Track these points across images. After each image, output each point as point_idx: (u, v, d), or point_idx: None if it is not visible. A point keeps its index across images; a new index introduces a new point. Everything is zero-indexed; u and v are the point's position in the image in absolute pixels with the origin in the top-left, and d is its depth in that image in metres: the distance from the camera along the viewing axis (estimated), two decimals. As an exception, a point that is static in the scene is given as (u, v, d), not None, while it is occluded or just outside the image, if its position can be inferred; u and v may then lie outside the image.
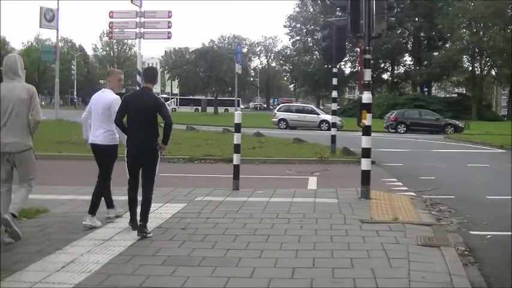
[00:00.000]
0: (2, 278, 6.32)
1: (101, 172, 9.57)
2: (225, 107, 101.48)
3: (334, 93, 23.07)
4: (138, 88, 23.33)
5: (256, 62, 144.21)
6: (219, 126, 38.30)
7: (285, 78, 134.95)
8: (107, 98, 9.31)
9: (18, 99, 8.18)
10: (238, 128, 12.74)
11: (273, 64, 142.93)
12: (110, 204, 9.81)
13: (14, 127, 8.15)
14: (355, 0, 11.75)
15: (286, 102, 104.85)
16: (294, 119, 47.80)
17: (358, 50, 38.51)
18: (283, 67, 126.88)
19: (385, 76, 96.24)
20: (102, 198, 9.58)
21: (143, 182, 8.75)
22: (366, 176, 11.62)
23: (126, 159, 8.79)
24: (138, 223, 8.49)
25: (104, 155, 9.38)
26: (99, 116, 9.29)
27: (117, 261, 7.02)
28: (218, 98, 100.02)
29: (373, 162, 13.02)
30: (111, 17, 22.90)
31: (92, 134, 9.45)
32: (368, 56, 11.78)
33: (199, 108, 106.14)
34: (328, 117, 30.29)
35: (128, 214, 9.05)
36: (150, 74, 9.06)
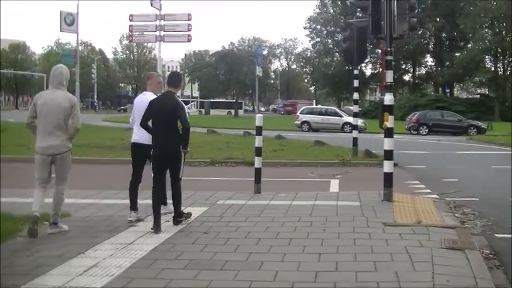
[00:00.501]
0: (24, 282, 6.34)
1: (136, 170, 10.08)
2: (227, 110, 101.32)
3: (356, 95, 22.99)
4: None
5: (276, 64, 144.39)
6: (239, 129, 38.32)
7: (306, 80, 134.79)
8: (148, 100, 9.68)
9: (59, 107, 8.91)
10: (259, 130, 12.69)
11: (293, 66, 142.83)
12: (134, 207, 9.98)
13: (56, 132, 8.94)
14: (376, 1, 11.67)
15: (289, 105, 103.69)
16: (317, 122, 47.72)
17: (380, 51, 38.58)
18: (304, 69, 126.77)
19: (406, 77, 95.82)
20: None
21: (171, 180, 9.49)
22: (388, 178, 11.54)
23: (152, 159, 9.41)
24: (172, 216, 9.42)
25: (148, 153, 9.68)
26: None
27: (139, 265, 7.01)
28: (218, 101, 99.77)
29: (395, 165, 12.93)
30: (130, 20, 22.87)
31: (135, 133, 9.99)
32: (390, 58, 11.71)
33: (203, 110, 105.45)
34: (351, 120, 30.17)
35: (152, 217, 9.13)
36: (173, 78, 9.76)
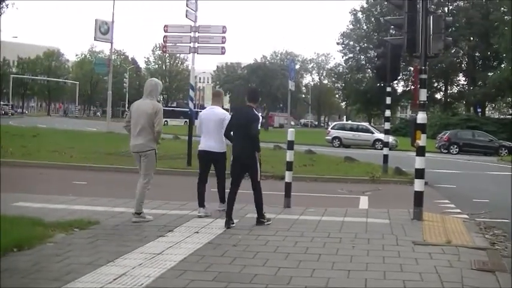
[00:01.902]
0: (55, 287, 6.39)
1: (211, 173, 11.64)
2: (185, 120, 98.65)
3: (388, 112, 22.90)
4: (190, 102, 23.56)
5: (308, 79, 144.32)
6: (269, 143, 38.34)
7: (337, 95, 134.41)
8: (219, 113, 11.34)
9: (145, 113, 10.58)
10: (291, 145, 12.71)
11: (325, 81, 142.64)
12: (201, 203, 11.25)
13: (141, 133, 10.60)
14: (412, 19, 11.64)
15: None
16: (348, 138, 47.62)
17: (412, 69, 38.31)
18: (335, 84, 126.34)
19: (438, 96, 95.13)
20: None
21: (252, 185, 10.85)
22: (418, 197, 11.48)
23: (231, 164, 10.80)
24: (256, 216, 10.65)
25: (218, 160, 11.31)
26: (213, 128, 11.22)
27: (168, 275, 7.03)
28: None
29: (425, 183, 12.86)
30: (165, 31, 23.00)
31: (205, 143, 11.32)
32: (424, 76, 11.67)
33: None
34: (383, 136, 30.05)
35: (181, 228, 9.52)
36: (253, 95, 11.32)
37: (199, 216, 11.05)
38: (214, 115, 11.32)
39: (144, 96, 10.88)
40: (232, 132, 10.85)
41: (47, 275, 6.93)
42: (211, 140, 11.21)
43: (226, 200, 10.91)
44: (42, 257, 7.75)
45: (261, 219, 10.59)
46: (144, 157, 10.66)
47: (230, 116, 11.18)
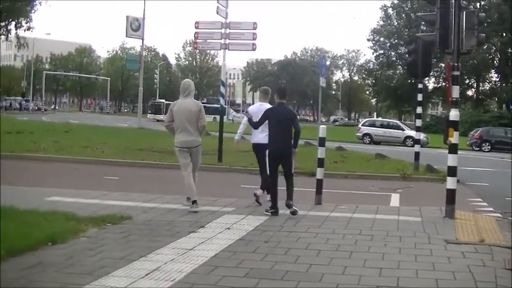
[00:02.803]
0: (88, 281, 6.46)
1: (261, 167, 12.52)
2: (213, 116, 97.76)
3: (419, 109, 22.75)
4: (221, 98, 23.64)
5: (338, 75, 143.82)
6: (300, 139, 38.27)
7: (367, 92, 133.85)
8: (265, 108, 12.09)
9: (189, 111, 11.51)
10: (322, 142, 12.69)
11: (355, 78, 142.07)
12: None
13: (189, 130, 11.50)
14: (444, 15, 11.54)
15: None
16: (378, 134, 47.42)
17: (443, 65, 37.87)
18: (366, 81, 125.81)
19: (469, 92, 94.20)
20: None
21: (286, 174, 11.61)
22: (451, 194, 11.39)
23: (268, 159, 11.69)
24: (286, 202, 11.18)
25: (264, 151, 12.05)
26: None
27: (200, 271, 7.06)
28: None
29: (457, 181, 12.76)
30: (196, 27, 23.07)
31: (256, 136, 12.38)
32: (457, 73, 11.57)
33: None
34: (413, 133, 29.88)
35: (212, 224, 9.57)
36: (282, 93, 12.26)
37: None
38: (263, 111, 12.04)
39: (183, 95, 11.67)
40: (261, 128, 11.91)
41: (80, 269, 6.99)
42: (260, 134, 12.16)
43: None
44: (75, 251, 7.82)
45: (292, 202, 11.23)
46: (196, 151, 11.68)
47: (265, 112, 11.75)
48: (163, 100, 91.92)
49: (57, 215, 9.86)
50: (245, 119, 12.62)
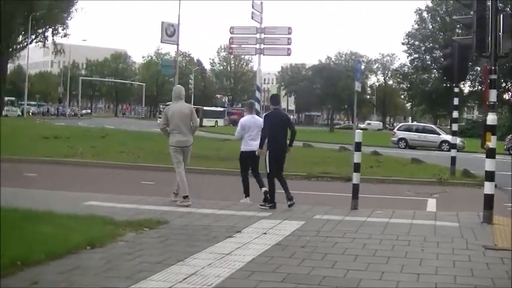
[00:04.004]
0: (127, 285, 6.51)
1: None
2: (215, 119, 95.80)
3: (455, 114, 22.56)
4: (256, 103, 23.70)
5: (373, 80, 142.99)
6: (335, 144, 38.21)
7: (402, 96, 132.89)
8: (259, 120, 13.52)
9: (183, 113, 12.72)
10: (358, 146, 12.63)
11: (390, 82, 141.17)
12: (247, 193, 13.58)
13: (183, 131, 12.69)
14: (481, 18, 11.43)
15: (235, 114, 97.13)
16: (414, 139, 46.99)
17: (479, 69, 37.51)
18: (400, 85, 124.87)
19: (506, 96, 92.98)
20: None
21: (278, 172, 12.72)
22: (488, 200, 11.25)
23: (269, 160, 12.62)
24: (287, 195, 12.44)
25: (253, 158, 13.47)
26: (256, 132, 13.38)
27: (237, 276, 7.07)
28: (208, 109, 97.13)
29: (495, 186, 12.62)
30: (231, 32, 23.19)
31: (248, 144, 13.51)
32: (494, 76, 11.43)
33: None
34: (449, 138, 29.63)
35: (249, 229, 9.66)
36: (276, 100, 13.55)
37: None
38: (258, 121, 13.52)
39: (176, 100, 12.92)
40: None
41: (118, 273, 7.05)
42: (256, 141, 13.20)
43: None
44: (113, 255, 7.89)
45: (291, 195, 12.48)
46: (188, 150, 12.89)
47: (264, 119, 12.97)
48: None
49: (95, 219, 9.98)
50: (236, 133, 13.98)
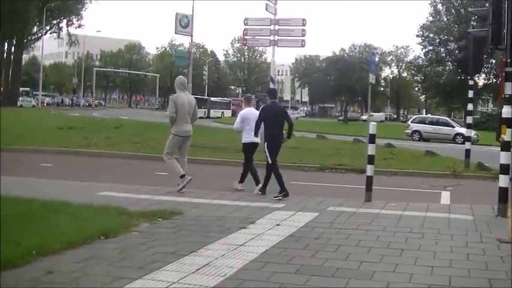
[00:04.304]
0: (141, 275, 6.54)
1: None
2: (221, 110, 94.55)
3: (470, 106, 22.44)
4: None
5: (387, 72, 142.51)
6: (349, 136, 38.14)
7: (416, 88, 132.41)
8: (256, 112, 14.09)
9: (190, 104, 13.20)
10: (372, 138, 12.59)
11: (404, 74, 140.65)
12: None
13: (188, 121, 13.16)
14: (497, 10, 11.36)
15: (234, 104, 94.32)
16: (428, 131, 46.83)
17: (494, 61, 37.25)
18: (415, 77, 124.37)
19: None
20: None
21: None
22: (503, 193, 11.20)
23: (270, 151, 13.07)
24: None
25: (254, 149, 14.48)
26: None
27: (251, 267, 7.08)
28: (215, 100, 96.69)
29: (510, 179, 12.56)
30: (245, 24, 23.15)
31: (250, 136, 14.11)
32: (509, 69, 11.34)
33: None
34: (463, 130, 29.50)
35: (262, 220, 9.71)
36: (273, 93, 14.25)
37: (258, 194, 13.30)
38: (255, 114, 14.06)
39: (182, 90, 13.23)
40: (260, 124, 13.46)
41: (132, 263, 7.08)
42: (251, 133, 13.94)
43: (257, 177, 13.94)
44: (127, 246, 7.92)
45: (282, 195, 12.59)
46: (189, 139, 13.36)
47: (261, 110, 13.52)
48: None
49: (109, 209, 10.03)
50: (235, 125, 14.67)
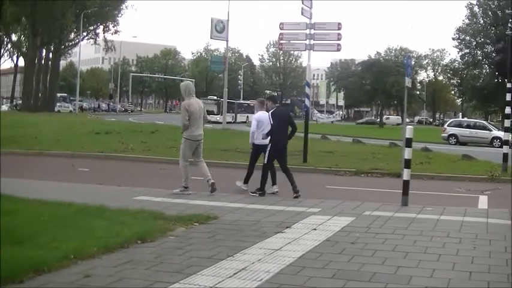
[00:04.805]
0: (177, 280, 6.56)
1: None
2: (246, 114, 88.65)
3: (508, 109, 22.15)
4: (305, 99, 23.68)
5: (422, 75, 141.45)
6: (384, 140, 37.95)
7: (452, 92, 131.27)
8: (267, 115, 14.36)
9: (200, 108, 13.53)
10: (409, 142, 12.51)
11: (440, 77, 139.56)
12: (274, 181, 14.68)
13: (200, 125, 13.52)
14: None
15: (205, 103, 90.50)
16: (464, 135, 46.39)
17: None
18: (451, 81, 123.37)
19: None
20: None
21: (284, 167, 14.01)
22: (542, 197, 11.07)
23: (269, 152, 13.85)
24: (294, 189, 13.45)
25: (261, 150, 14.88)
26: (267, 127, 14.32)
27: (287, 271, 7.06)
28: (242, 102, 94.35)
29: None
30: (281, 28, 23.16)
31: (259, 138, 14.72)
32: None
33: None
34: (501, 134, 29.14)
35: (299, 225, 9.63)
36: (276, 99, 15.03)
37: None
38: (267, 117, 14.36)
39: (190, 95, 13.54)
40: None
41: (169, 267, 7.10)
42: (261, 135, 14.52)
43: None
44: (164, 250, 7.95)
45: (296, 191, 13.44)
46: (201, 143, 13.66)
47: (271, 116, 13.94)
48: (215, 97, 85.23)
49: (145, 214, 10.09)
50: (253, 128, 15.01)
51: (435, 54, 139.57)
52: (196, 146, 13.52)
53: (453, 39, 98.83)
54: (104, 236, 8.16)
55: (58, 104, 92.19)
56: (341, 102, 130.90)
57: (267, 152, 13.85)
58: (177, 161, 21.80)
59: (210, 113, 78.00)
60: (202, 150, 13.77)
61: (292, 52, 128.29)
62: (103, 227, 8.73)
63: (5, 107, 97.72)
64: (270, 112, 14.14)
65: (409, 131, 12.55)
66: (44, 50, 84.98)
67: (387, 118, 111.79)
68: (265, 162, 13.89)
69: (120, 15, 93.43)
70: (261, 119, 14.79)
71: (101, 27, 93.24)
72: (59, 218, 9.20)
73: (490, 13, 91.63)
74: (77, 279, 6.49)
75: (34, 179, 15.10)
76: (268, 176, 14.15)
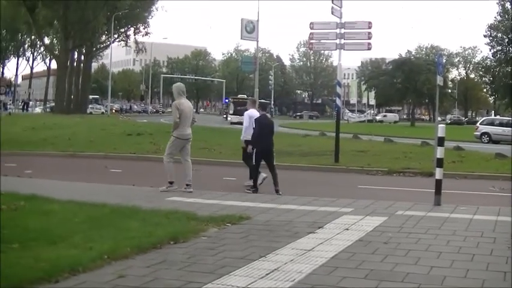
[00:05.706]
0: (210, 280, 6.58)
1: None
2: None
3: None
4: (336, 98, 23.64)
5: (454, 73, 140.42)
6: (416, 139, 37.71)
7: (484, 90, 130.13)
8: (255, 115, 16.11)
9: (190, 108, 14.32)
10: (441, 141, 12.42)
11: (472, 75, 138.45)
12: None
13: (189, 124, 14.10)
14: None
15: (237, 102, 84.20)
16: (497, 133, 45.89)
17: None
18: (483, 79, 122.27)
19: None
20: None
21: (271, 166, 15.33)
22: None
23: (256, 154, 15.20)
24: (276, 188, 14.86)
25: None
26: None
27: (320, 272, 7.04)
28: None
29: None
30: (311, 28, 23.14)
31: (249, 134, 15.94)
32: None
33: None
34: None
35: (331, 225, 9.58)
36: (265, 106, 16.81)
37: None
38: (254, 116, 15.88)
39: (181, 96, 14.11)
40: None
41: (201, 267, 7.13)
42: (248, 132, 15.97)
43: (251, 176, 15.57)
44: (197, 250, 7.98)
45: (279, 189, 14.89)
46: (189, 141, 14.21)
47: (255, 122, 15.41)
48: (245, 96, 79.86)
49: (178, 214, 10.15)
50: (245, 124, 16.35)
51: (466, 52, 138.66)
52: (184, 144, 14.07)
53: (485, 36, 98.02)
54: (137, 236, 8.23)
55: (90, 105, 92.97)
56: (372, 101, 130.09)
57: (254, 155, 15.29)
58: (209, 162, 22.12)
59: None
60: (189, 150, 14.29)
61: (322, 52, 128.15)
62: (136, 227, 8.81)
63: (38, 109, 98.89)
64: (254, 118, 15.60)
65: (441, 130, 12.46)
66: (76, 53, 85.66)
67: (384, 116, 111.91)
68: (253, 163, 15.34)
69: (150, 16, 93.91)
70: (253, 114, 16.07)
71: (132, 29, 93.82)
72: (93, 218, 9.31)
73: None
74: (112, 279, 6.55)
75: (68, 180, 15.27)
76: (248, 170, 15.97)
